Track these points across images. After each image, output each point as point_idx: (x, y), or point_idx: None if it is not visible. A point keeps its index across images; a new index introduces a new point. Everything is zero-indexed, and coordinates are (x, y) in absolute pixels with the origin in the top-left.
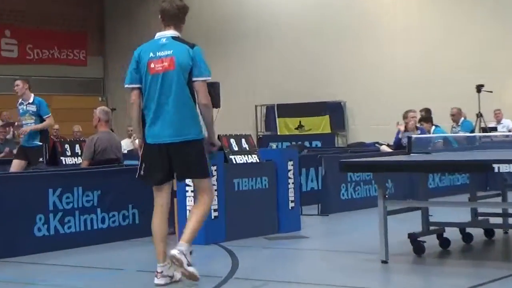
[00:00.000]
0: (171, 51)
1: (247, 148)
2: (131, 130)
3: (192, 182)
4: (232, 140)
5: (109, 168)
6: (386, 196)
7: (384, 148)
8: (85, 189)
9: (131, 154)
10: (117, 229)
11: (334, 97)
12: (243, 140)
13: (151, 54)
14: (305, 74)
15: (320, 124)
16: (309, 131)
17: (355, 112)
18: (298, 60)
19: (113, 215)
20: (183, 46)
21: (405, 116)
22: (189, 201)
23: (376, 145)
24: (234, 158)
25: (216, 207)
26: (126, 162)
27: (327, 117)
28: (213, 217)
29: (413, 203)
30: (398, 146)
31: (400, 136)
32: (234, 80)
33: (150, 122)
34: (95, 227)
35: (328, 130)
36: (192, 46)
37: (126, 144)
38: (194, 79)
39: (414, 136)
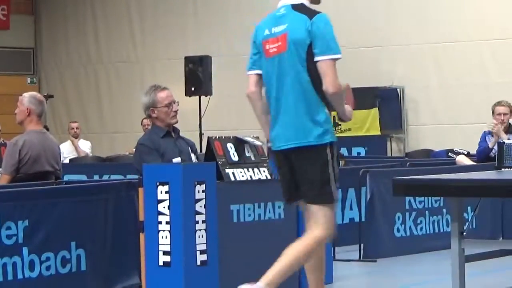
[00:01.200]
0: (286, 25)
1: (253, 158)
2: (75, 128)
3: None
4: (229, 146)
5: (42, 187)
6: (464, 233)
7: (462, 160)
8: (4, 218)
9: (76, 164)
10: (53, 279)
11: (387, 81)
12: (246, 146)
13: (266, 32)
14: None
15: (365, 122)
16: (347, 132)
17: (419, 104)
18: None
19: (47, 258)
20: (301, 17)
21: (493, 111)
22: (163, 238)
23: (450, 154)
24: (233, 173)
25: (203, 247)
26: (67, 178)
27: (375, 111)
28: (199, 263)
29: (504, 244)
30: (484, 157)
31: (489, 141)
32: (232, 55)
33: (271, 122)
34: (19, 276)
35: (376, 130)
36: (312, 15)
37: (67, 150)
38: (316, 58)
39: (507, 142)
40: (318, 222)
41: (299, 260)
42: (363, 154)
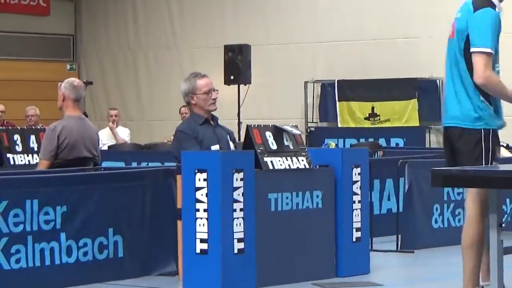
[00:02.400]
0: (460, 14)
1: (291, 147)
2: (114, 116)
3: None
4: (267, 134)
5: (81, 173)
6: (503, 225)
7: (503, 152)
8: (43, 203)
9: (114, 151)
10: (90, 265)
11: (427, 72)
12: (285, 135)
13: (455, 15)
14: (382, 36)
15: (404, 113)
16: (386, 122)
17: None
18: (371, 12)
19: (85, 244)
20: (469, 8)
21: None
22: (200, 226)
23: None
24: (271, 161)
25: (241, 235)
26: (105, 164)
27: (414, 101)
28: (236, 251)
29: None
30: None
31: None
32: (271, 44)
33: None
34: (57, 261)
35: (415, 121)
36: (478, 8)
37: (106, 137)
38: (471, 49)
39: None
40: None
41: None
42: (401, 145)
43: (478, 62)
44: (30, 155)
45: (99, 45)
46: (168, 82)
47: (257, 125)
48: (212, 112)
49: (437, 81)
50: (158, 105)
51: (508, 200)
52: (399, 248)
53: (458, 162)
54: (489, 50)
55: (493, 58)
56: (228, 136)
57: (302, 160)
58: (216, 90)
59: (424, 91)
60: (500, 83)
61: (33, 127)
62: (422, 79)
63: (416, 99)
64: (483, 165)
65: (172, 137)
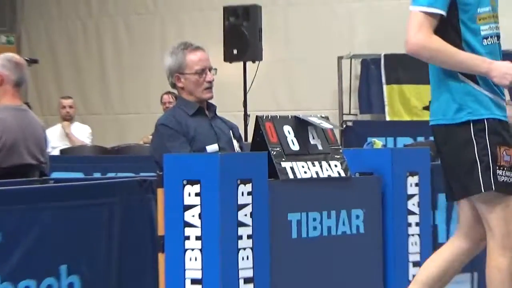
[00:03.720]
0: None
1: (320, 147)
2: (68, 107)
3: None
4: (286, 129)
5: (22, 187)
6: None
7: None
8: None
9: (68, 157)
10: None
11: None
12: (311, 130)
13: None
14: None
15: None
16: None
17: None
18: None
19: None
20: None
21: None
22: (191, 261)
23: None
24: (291, 167)
25: (249, 273)
26: (56, 175)
27: None
28: None
29: None
30: None
31: None
32: (290, 4)
33: None
34: None
35: None
36: None
37: (57, 137)
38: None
39: None
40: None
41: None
42: None
43: (410, 23)
44: None
45: (47, 10)
46: (146, 60)
47: (271, 117)
48: (207, 100)
49: None
50: (131, 93)
51: None
52: None
53: (445, 176)
54: (431, 10)
55: (482, 15)
56: (231, 132)
57: (336, 166)
58: (214, 69)
59: None
60: (446, 47)
61: None
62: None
63: None
64: (481, 176)
65: (151, 136)
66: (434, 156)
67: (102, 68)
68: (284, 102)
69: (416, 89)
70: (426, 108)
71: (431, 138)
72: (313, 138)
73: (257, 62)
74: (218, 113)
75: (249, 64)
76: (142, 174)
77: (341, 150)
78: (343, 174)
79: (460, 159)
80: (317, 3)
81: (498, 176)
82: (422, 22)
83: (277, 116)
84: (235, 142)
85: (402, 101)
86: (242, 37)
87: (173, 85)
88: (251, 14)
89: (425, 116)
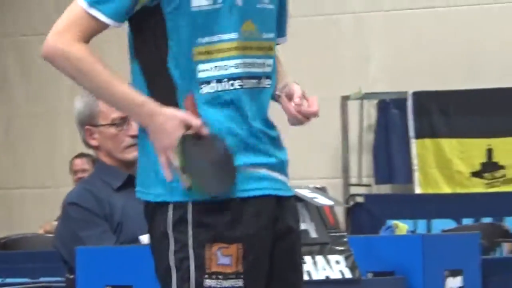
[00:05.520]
0: None
1: (313, 235)
2: None
3: None
4: None
5: None
6: None
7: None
8: None
9: None
10: None
11: None
12: (300, 209)
13: None
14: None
15: None
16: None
17: None
18: None
19: None
20: None
21: None
22: None
23: None
24: None
25: None
26: None
27: None
28: None
29: None
30: None
31: None
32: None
33: None
34: None
35: None
36: None
37: None
38: None
39: None
40: None
41: None
42: None
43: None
44: None
45: None
46: (51, 108)
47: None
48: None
49: None
50: (25, 157)
51: None
52: None
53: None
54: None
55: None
56: None
57: (338, 262)
58: None
59: None
60: (89, 59)
61: None
62: None
63: None
64: None
65: (56, 222)
66: (487, 246)
67: None
68: None
69: (461, 145)
70: (476, 174)
71: (485, 220)
72: (303, 221)
73: None
74: None
75: None
76: (42, 278)
77: (345, 239)
78: (348, 275)
79: (159, 261)
80: (315, 14)
81: None
82: (75, 23)
83: None
84: None
85: (440, 163)
86: None
87: (86, 143)
88: None
89: (474, 187)
